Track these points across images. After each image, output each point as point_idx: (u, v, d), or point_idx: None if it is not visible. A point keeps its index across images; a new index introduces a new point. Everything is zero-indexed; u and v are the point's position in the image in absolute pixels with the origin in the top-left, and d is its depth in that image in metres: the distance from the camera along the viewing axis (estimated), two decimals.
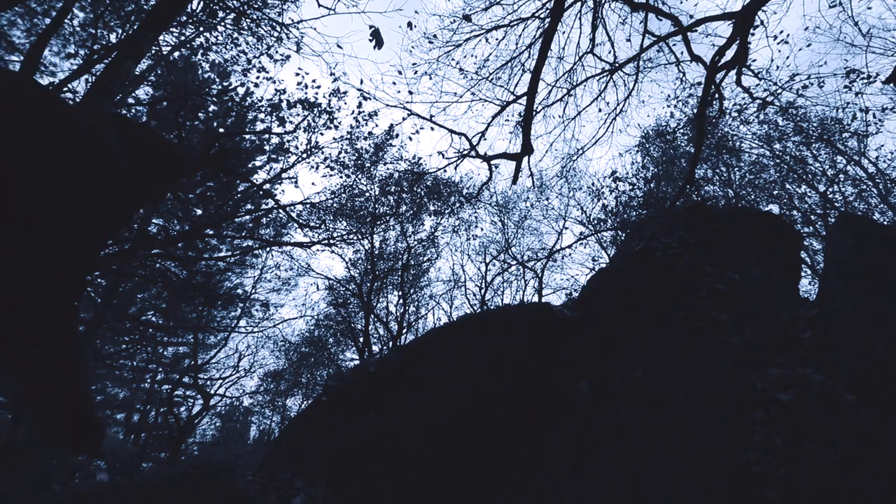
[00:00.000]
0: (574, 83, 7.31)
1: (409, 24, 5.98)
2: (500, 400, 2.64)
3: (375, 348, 13.14)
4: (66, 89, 7.18)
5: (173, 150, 1.41)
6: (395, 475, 2.31)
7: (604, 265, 3.62)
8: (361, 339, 12.41)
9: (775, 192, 11.67)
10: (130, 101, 8.42)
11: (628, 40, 7.49)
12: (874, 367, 2.34)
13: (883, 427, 2.15)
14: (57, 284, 0.89)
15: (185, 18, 7.21)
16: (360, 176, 10.44)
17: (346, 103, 8.76)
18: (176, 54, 8.46)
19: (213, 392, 12.86)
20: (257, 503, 1.49)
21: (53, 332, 0.90)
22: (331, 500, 2.12)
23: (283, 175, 10.42)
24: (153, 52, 7.40)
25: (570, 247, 14.13)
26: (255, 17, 6.98)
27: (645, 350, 2.58)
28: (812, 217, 11.89)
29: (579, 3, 6.62)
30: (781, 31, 7.15)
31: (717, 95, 7.10)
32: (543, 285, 14.57)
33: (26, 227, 0.87)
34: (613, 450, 2.24)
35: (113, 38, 7.69)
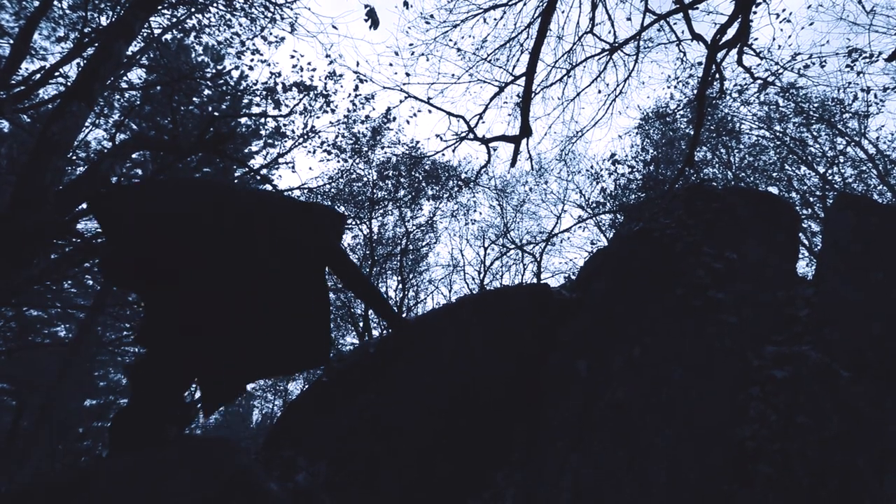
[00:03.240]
0: (573, 63, 7.22)
1: (405, 3, 5.86)
2: (500, 380, 2.67)
3: (375, 332, 13.22)
4: (57, 74, 7.07)
5: (339, 214, 2.38)
6: (396, 454, 2.35)
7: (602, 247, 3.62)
8: (361, 324, 12.48)
9: (774, 175, 11.63)
10: (123, 84, 8.30)
11: (629, 19, 7.37)
12: (870, 344, 2.36)
13: (877, 403, 2.18)
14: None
15: None
16: (357, 160, 10.35)
17: (342, 86, 8.65)
18: (168, 36, 8.31)
19: None
20: (260, 480, 1.51)
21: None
22: (333, 479, 2.15)
23: (280, 160, 10.34)
24: (145, 34, 7.27)
25: (568, 230, 14.13)
26: None
27: (643, 329, 2.60)
28: (811, 199, 11.87)
29: None
30: (784, 10, 7.03)
31: (717, 76, 7.02)
32: (542, 269, 14.61)
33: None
34: (612, 427, 2.27)
35: (104, 20, 7.54)
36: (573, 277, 3.63)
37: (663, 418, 2.23)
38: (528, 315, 2.91)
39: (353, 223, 11.28)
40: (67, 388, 11.74)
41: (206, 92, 9.62)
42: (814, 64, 7.61)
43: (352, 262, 2.28)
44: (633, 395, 2.33)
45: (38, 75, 6.94)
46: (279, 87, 8.13)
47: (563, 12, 6.83)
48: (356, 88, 8.52)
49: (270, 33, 7.57)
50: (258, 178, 9.94)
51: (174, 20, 7.61)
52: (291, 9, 6.68)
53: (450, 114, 6.83)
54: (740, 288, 2.75)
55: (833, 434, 2.03)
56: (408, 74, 8.00)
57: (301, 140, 9.33)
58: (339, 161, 9.99)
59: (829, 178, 11.64)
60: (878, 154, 11.86)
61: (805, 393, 2.16)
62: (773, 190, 11.40)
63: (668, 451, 2.12)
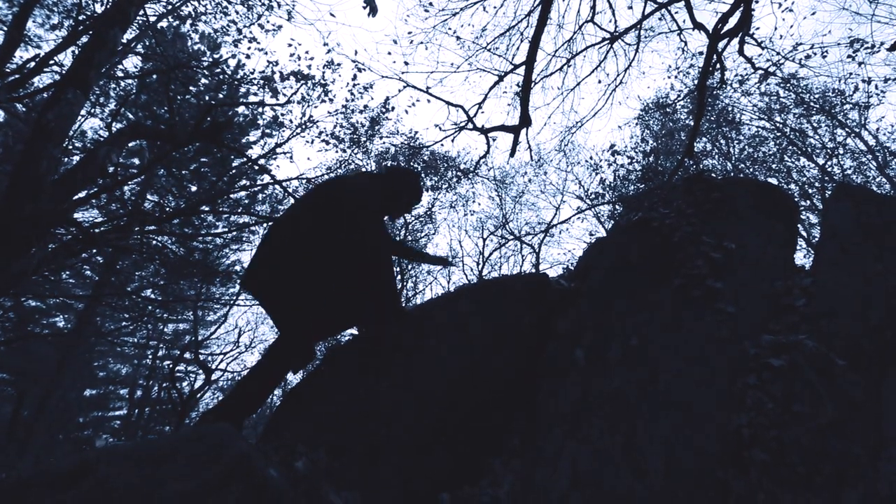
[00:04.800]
0: (574, 52, 7.16)
1: None
2: (498, 369, 2.68)
3: None
4: (52, 62, 7.00)
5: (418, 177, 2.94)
6: (395, 442, 2.36)
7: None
8: None
9: (774, 166, 11.61)
10: (119, 73, 8.22)
11: (630, 8, 7.29)
12: (867, 333, 2.37)
13: (873, 391, 2.19)
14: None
15: None
16: (355, 150, 10.30)
17: (340, 75, 8.59)
18: (163, 24, 8.21)
19: (214, 367, 13.02)
20: (260, 466, 1.52)
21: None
22: (332, 465, 2.17)
23: (278, 150, 10.27)
24: (140, 21, 7.18)
25: (567, 221, 14.14)
26: None
27: (641, 318, 2.61)
28: (810, 191, 11.87)
29: None
30: None
31: (718, 65, 6.97)
32: (541, 260, 14.64)
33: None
34: (609, 415, 2.29)
35: (98, 7, 7.45)
36: (571, 268, 3.63)
37: (660, 406, 2.25)
38: (526, 305, 2.91)
39: None
40: (67, 379, 11.79)
41: (203, 81, 9.53)
42: (815, 54, 7.57)
43: (365, 237, 2.54)
44: (630, 383, 2.35)
45: (33, 63, 6.87)
46: (276, 76, 8.06)
47: (563, 0, 6.76)
48: (354, 77, 8.45)
49: (267, 21, 7.49)
50: (256, 167, 9.89)
51: (169, 7, 7.52)
52: None
53: (449, 103, 6.79)
54: (738, 277, 2.75)
55: (829, 422, 2.05)
56: (406, 63, 7.93)
57: (299, 130, 9.27)
58: (337, 151, 9.94)
59: (829, 169, 11.62)
60: (877, 145, 11.85)
61: (801, 381, 2.17)
62: (773, 181, 11.39)
63: (665, 438, 2.13)
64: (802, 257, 11.43)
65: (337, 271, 2.48)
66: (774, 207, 3.24)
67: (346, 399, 2.54)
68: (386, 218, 2.96)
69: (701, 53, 7.79)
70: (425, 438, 2.38)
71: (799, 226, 3.93)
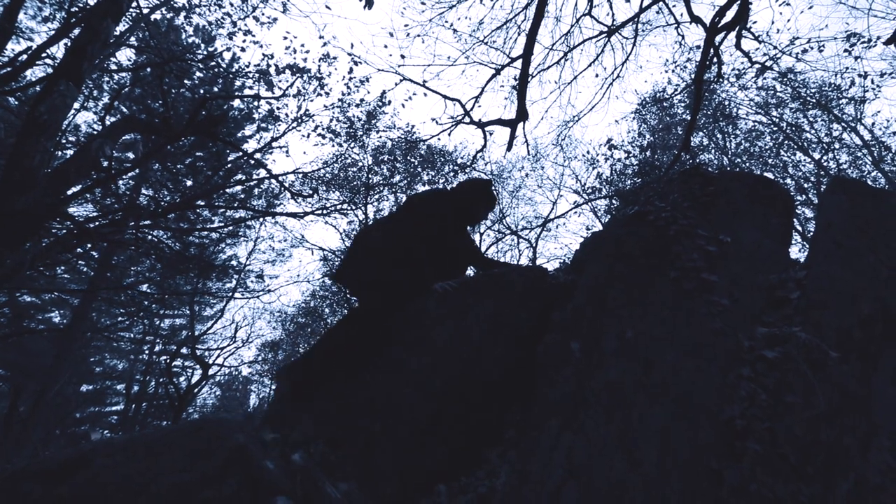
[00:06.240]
0: (571, 46, 7.13)
1: None
2: (496, 362, 2.69)
3: None
4: (44, 55, 6.91)
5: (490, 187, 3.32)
6: (391, 433, 2.38)
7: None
8: None
9: (770, 161, 11.63)
10: (112, 66, 8.14)
11: (627, 1, 7.26)
12: (859, 325, 2.39)
13: (864, 382, 2.22)
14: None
15: None
16: (352, 145, 10.25)
17: (336, 69, 8.52)
18: (157, 15, 8.12)
19: (211, 362, 13.00)
20: (257, 458, 1.52)
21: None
22: (329, 457, 2.18)
23: (274, 144, 10.21)
24: (133, 13, 7.10)
25: (563, 215, 14.14)
26: None
27: (636, 311, 2.62)
28: (805, 185, 11.90)
29: None
30: None
31: (715, 59, 6.96)
32: (538, 255, 14.65)
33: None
34: (604, 407, 2.30)
35: None
36: (568, 262, 3.64)
37: (655, 398, 2.26)
38: (523, 297, 2.92)
39: (349, 208, 11.20)
40: (64, 374, 11.76)
41: (198, 74, 9.44)
42: (812, 48, 7.57)
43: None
44: (625, 375, 2.36)
45: (25, 56, 6.78)
46: (272, 70, 7.99)
47: None
48: (350, 71, 8.39)
49: (262, 13, 7.41)
50: (252, 162, 9.83)
51: None
52: None
53: (445, 97, 6.75)
54: (733, 270, 2.77)
55: (820, 412, 2.07)
56: (403, 56, 7.87)
57: (295, 124, 9.21)
58: (333, 145, 9.89)
59: (824, 164, 11.66)
60: (873, 140, 11.88)
61: (794, 373, 2.19)
62: (769, 175, 11.40)
63: (659, 429, 2.15)
64: (798, 251, 11.50)
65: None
66: (770, 201, 3.25)
67: (345, 391, 2.55)
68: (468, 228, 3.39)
69: (698, 47, 7.78)
70: (422, 430, 2.40)
71: (794, 220, 3.95)
